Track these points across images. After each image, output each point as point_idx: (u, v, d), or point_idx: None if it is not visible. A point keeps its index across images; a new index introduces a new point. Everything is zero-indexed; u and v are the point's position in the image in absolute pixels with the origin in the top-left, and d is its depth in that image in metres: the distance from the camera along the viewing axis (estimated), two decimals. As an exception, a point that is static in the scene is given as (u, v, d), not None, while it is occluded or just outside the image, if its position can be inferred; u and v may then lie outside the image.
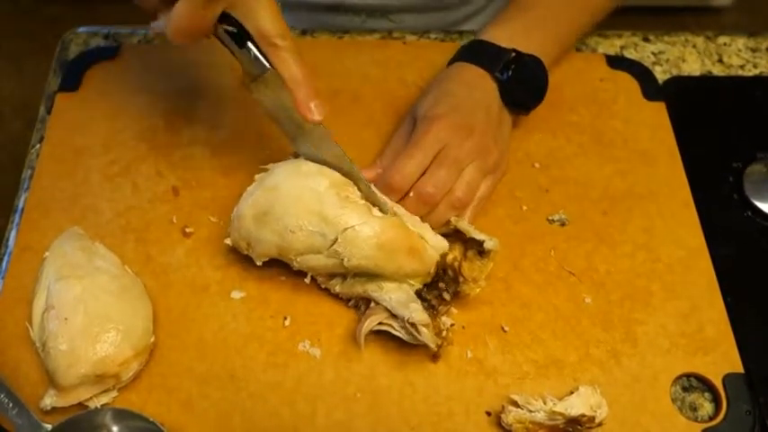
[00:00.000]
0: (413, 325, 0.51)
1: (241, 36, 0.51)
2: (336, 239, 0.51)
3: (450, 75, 0.63)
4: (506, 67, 0.61)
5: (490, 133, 0.59)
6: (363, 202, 0.53)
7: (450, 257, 0.54)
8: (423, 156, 0.56)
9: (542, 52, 0.63)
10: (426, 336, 0.51)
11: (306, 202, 0.52)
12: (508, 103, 0.62)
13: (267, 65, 0.52)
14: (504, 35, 0.63)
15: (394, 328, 0.53)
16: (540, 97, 0.64)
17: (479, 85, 0.61)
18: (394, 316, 0.52)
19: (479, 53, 0.63)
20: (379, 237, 0.51)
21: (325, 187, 0.52)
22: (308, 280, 0.55)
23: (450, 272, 0.54)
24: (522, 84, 0.62)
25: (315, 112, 0.52)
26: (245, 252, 0.55)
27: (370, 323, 0.53)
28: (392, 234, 0.52)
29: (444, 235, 0.55)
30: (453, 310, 0.55)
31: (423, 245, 0.53)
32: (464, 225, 0.55)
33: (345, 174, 0.55)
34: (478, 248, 0.54)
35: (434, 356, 0.53)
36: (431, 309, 0.54)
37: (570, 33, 0.68)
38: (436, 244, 0.54)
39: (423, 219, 0.56)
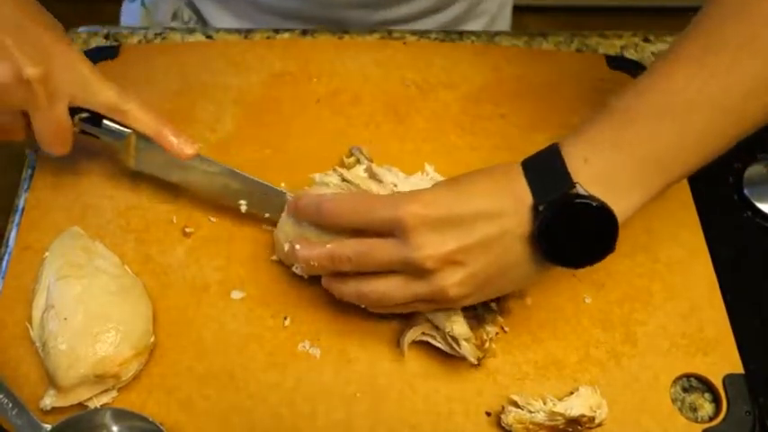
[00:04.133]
0: (453, 338, 0.51)
1: (95, 118, 0.55)
2: None
3: (487, 171, 0.49)
4: (554, 203, 0.45)
5: (469, 275, 0.47)
6: None
7: None
8: (365, 221, 0.48)
9: (629, 185, 0.47)
10: (466, 349, 0.51)
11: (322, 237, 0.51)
12: (540, 250, 0.47)
13: (126, 129, 0.55)
14: (581, 150, 0.47)
15: (436, 339, 0.52)
16: (589, 258, 0.47)
17: (509, 205, 0.46)
18: (436, 327, 0.52)
19: (539, 162, 0.48)
20: None
21: None
22: None
23: None
24: (567, 234, 0.46)
25: (184, 147, 0.55)
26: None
27: (414, 333, 0.53)
28: None
29: None
30: (500, 318, 0.54)
31: None
32: None
33: (239, 183, 0.57)
34: None
35: (477, 364, 0.52)
36: (475, 318, 0.52)
37: (679, 162, 0.48)
38: None
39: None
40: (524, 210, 0.46)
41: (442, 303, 0.49)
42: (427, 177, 0.57)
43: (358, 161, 0.60)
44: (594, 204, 0.45)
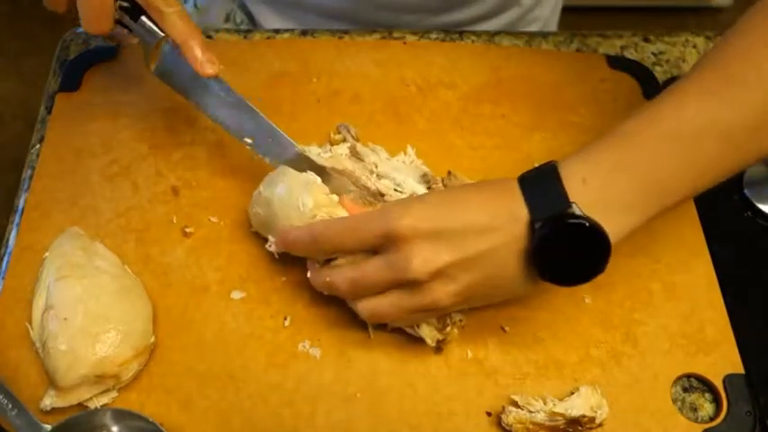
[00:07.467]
0: None
1: (134, 10, 0.54)
2: None
3: (483, 184, 0.50)
4: (550, 221, 0.46)
5: (462, 287, 0.47)
6: None
7: None
8: (359, 239, 0.49)
9: (627, 207, 0.47)
10: (424, 331, 0.51)
11: (291, 220, 0.52)
12: (535, 267, 0.47)
13: (160, 33, 0.54)
14: (579, 172, 0.47)
15: None
16: (581, 277, 0.48)
17: (503, 220, 0.47)
18: None
19: (536, 179, 0.48)
20: None
21: (309, 209, 0.52)
22: None
23: None
24: (561, 253, 0.47)
25: (206, 66, 0.54)
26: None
27: None
28: None
29: None
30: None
31: None
32: None
33: (250, 119, 0.57)
34: None
35: (437, 349, 0.53)
36: None
37: (680, 188, 0.48)
38: None
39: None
40: (521, 226, 0.46)
41: (435, 313, 0.50)
42: (408, 159, 0.59)
43: (344, 139, 0.60)
44: (588, 225, 0.45)
